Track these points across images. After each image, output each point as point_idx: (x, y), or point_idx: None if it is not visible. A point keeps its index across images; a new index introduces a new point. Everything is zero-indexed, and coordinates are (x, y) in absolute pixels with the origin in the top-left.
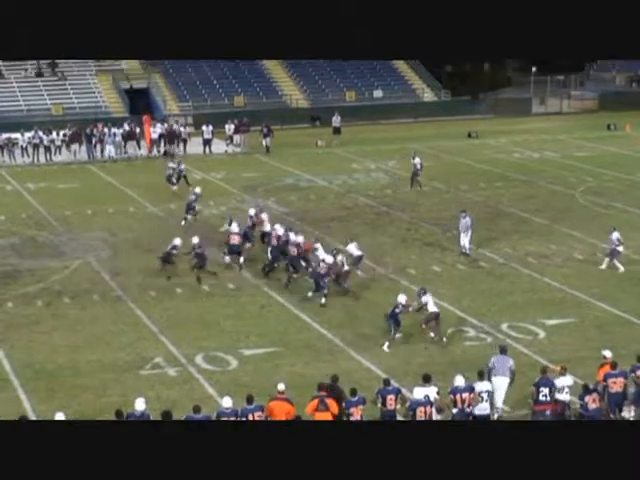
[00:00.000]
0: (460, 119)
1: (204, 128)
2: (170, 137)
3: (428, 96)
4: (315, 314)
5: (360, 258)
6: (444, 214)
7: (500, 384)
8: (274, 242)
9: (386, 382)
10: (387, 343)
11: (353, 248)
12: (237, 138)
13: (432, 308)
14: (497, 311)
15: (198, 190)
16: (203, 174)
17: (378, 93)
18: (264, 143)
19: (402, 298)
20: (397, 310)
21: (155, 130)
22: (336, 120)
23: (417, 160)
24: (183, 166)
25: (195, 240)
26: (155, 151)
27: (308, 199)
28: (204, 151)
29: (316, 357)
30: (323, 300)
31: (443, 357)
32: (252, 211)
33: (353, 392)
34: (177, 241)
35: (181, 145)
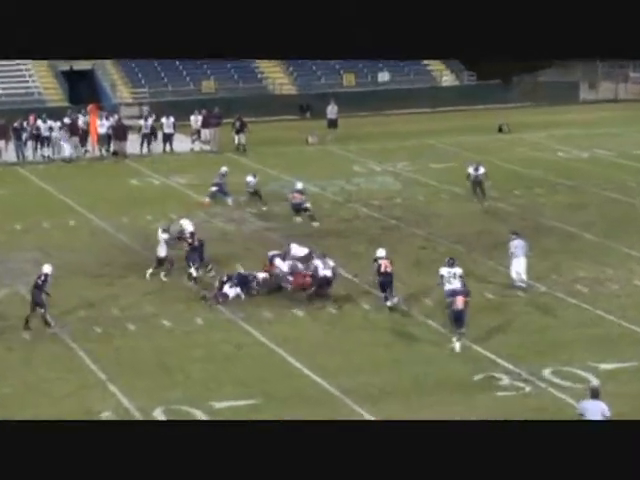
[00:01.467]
0: (488, 108)
1: (164, 121)
2: (118, 133)
3: (448, 80)
4: (306, 356)
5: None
6: (468, 229)
7: None
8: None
9: None
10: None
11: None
12: (206, 133)
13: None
14: (537, 352)
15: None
16: (162, 178)
17: (384, 76)
18: (237, 140)
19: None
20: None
21: (103, 123)
22: (331, 111)
23: (482, 171)
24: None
25: None
26: (104, 150)
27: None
28: (164, 149)
29: (307, 410)
30: None
31: (471, 411)
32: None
33: None
34: (46, 269)
35: (163, 143)
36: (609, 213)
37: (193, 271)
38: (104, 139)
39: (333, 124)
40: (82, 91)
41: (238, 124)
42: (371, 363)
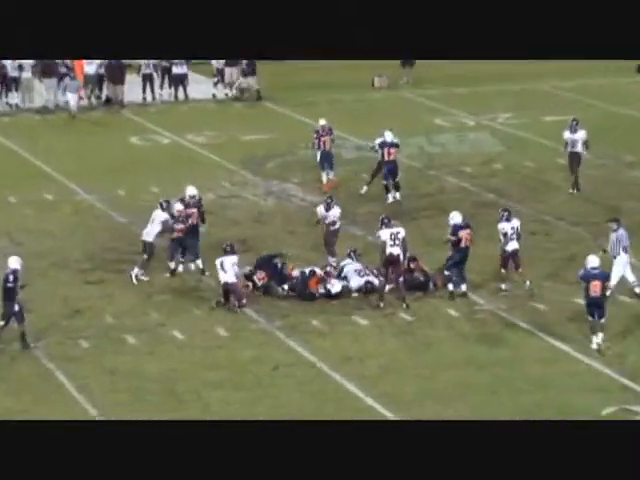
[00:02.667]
0: None
1: None
2: (113, 73)
3: None
4: (368, 379)
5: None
6: (592, 206)
7: None
8: None
9: None
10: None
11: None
12: (231, 73)
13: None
14: None
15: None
16: (172, 135)
17: None
18: (241, 86)
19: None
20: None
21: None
22: None
23: (581, 134)
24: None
25: None
26: (93, 97)
27: (357, 180)
28: (175, 95)
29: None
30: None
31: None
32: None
33: None
34: (14, 263)
35: (174, 88)
36: None
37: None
38: (93, 81)
39: (408, 62)
40: None
41: (246, 67)
42: (459, 390)
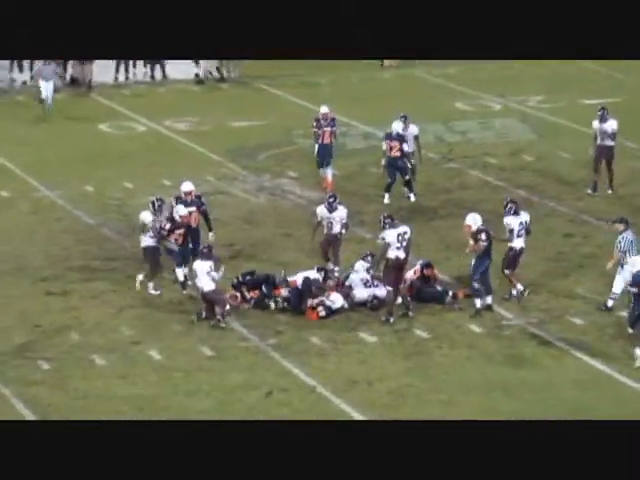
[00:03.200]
0: None
1: None
2: None
3: None
4: (377, 407)
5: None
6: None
7: None
8: None
9: None
10: None
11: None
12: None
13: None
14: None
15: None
16: (148, 122)
17: None
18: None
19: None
20: None
21: None
22: None
23: (611, 123)
24: None
25: None
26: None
27: (363, 174)
28: (151, 75)
29: None
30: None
31: None
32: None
33: None
34: None
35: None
36: None
37: (179, 272)
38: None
39: None
40: None
41: None
42: (483, 418)
